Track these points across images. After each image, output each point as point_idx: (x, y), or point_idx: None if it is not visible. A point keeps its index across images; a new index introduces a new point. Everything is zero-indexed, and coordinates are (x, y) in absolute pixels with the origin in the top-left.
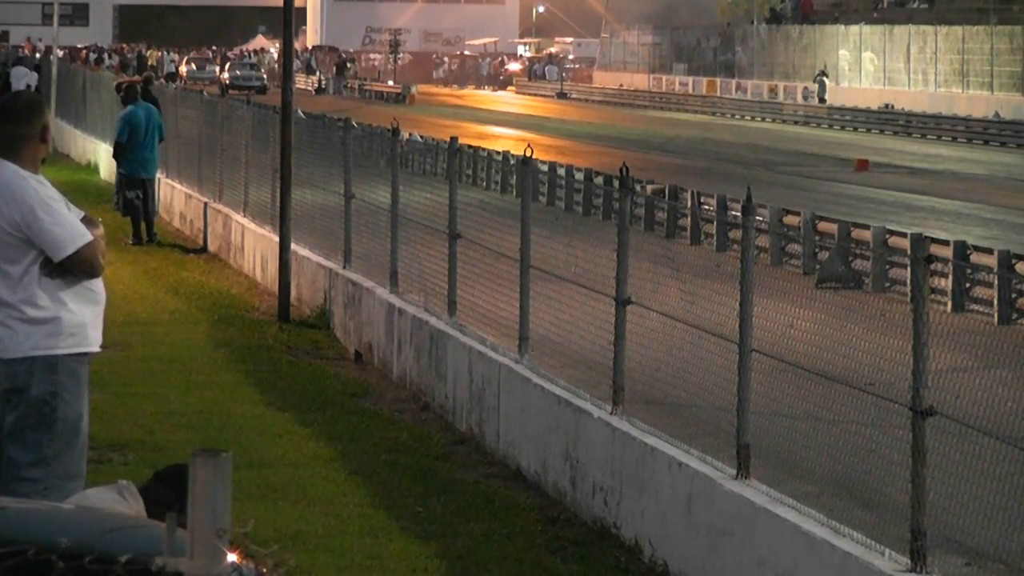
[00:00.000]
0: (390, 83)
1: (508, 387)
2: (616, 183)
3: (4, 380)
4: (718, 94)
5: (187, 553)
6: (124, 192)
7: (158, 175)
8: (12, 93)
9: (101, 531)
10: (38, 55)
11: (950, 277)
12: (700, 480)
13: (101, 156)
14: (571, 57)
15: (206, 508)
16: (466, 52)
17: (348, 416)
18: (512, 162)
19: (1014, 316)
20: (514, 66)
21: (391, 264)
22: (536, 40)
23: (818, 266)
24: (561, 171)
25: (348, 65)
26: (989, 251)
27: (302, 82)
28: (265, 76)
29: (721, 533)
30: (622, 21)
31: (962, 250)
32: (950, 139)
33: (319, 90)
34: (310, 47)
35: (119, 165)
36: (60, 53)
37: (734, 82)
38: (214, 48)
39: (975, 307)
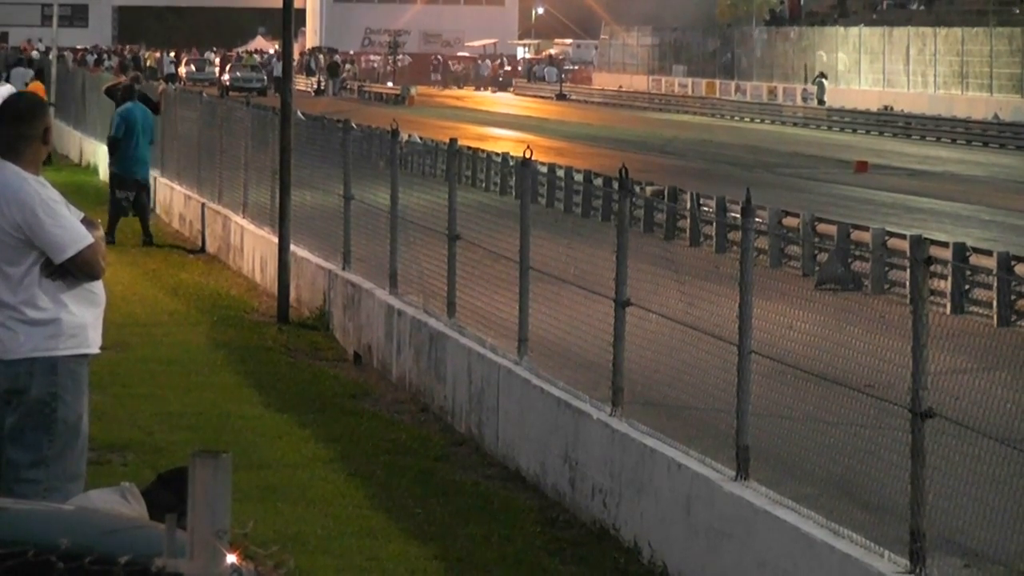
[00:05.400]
0: (389, 84)
1: (507, 388)
2: (615, 184)
3: (4, 381)
4: (717, 96)
5: (187, 554)
6: (115, 191)
7: (153, 175)
8: (14, 94)
9: (101, 532)
10: (36, 55)
11: (949, 279)
12: (699, 482)
13: (100, 157)
14: (565, 58)
15: (206, 509)
16: (465, 54)
17: (347, 417)
18: (511, 163)
19: (1013, 318)
20: (510, 67)
21: (390, 265)
22: (535, 42)
23: (817, 268)
24: (560, 172)
25: (342, 65)
26: (988, 253)
27: (302, 83)
28: (266, 78)
29: (720, 535)
30: (621, 23)
31: (961, 252)
32: (949, 141)
33: (318, 91)
34: (308, 48)
35: (113, 163)
36: (68, 56)
37: (733, 84)
38: (215, 49)
39: (974, 309)
